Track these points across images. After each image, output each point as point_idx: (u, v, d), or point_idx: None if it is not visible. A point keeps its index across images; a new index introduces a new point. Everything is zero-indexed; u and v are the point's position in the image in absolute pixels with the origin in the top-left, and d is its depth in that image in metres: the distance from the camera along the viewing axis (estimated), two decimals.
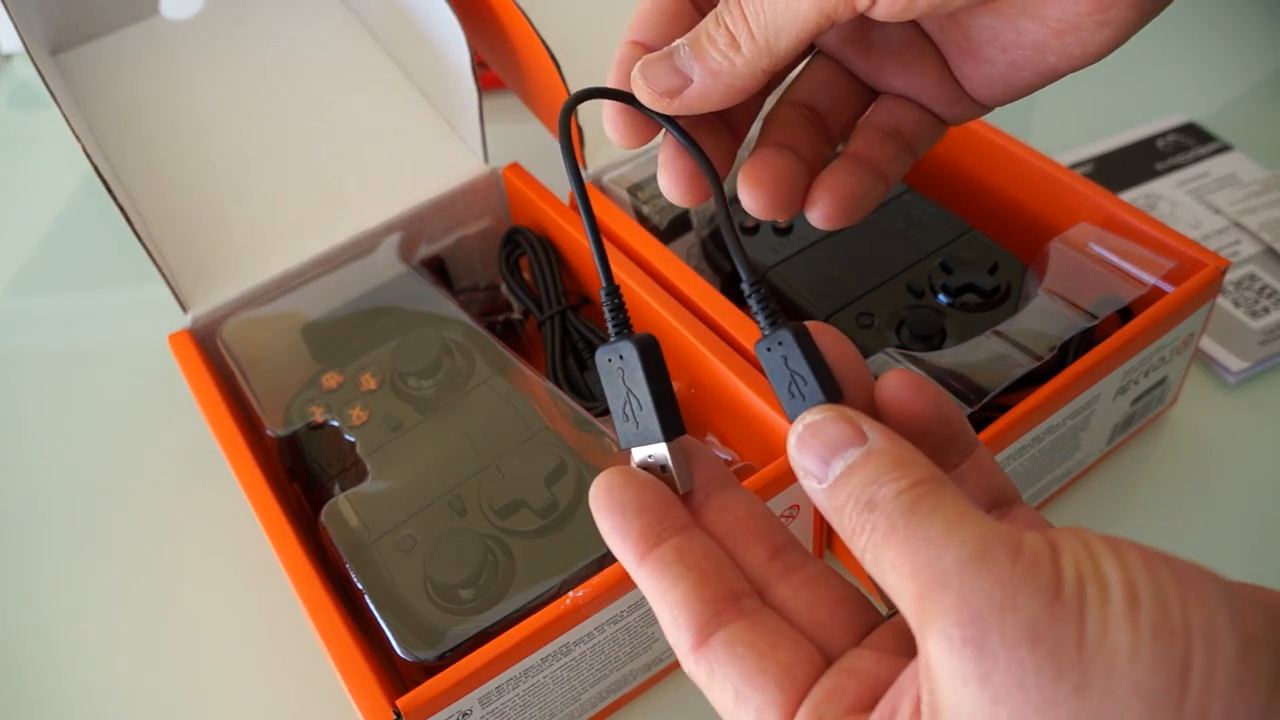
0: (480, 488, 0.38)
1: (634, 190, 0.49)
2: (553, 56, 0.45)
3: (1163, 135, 0.60)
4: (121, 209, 0.42)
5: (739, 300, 0.47)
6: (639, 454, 0.25)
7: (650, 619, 0.37)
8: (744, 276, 0.25)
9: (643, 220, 0.48)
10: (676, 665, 0.40)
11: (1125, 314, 0.41)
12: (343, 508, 0.39)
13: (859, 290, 0.44)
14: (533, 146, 0.52)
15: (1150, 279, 0.41)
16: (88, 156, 0.42)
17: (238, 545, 0.46)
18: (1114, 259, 0.42)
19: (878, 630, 0.23)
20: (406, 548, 0.37)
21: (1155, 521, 0.44)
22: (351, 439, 0.41)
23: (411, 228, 0.48)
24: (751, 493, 0.25)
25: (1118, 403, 0.42)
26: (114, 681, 0.43)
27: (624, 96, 0.26)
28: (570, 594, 0.33)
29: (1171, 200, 0.56)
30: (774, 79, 0.26)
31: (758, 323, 0.24)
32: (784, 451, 0.37)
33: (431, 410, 0.41)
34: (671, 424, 0.25)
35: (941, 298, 0.43)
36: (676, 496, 0.24)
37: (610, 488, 0.24)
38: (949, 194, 0.49)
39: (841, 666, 0.21)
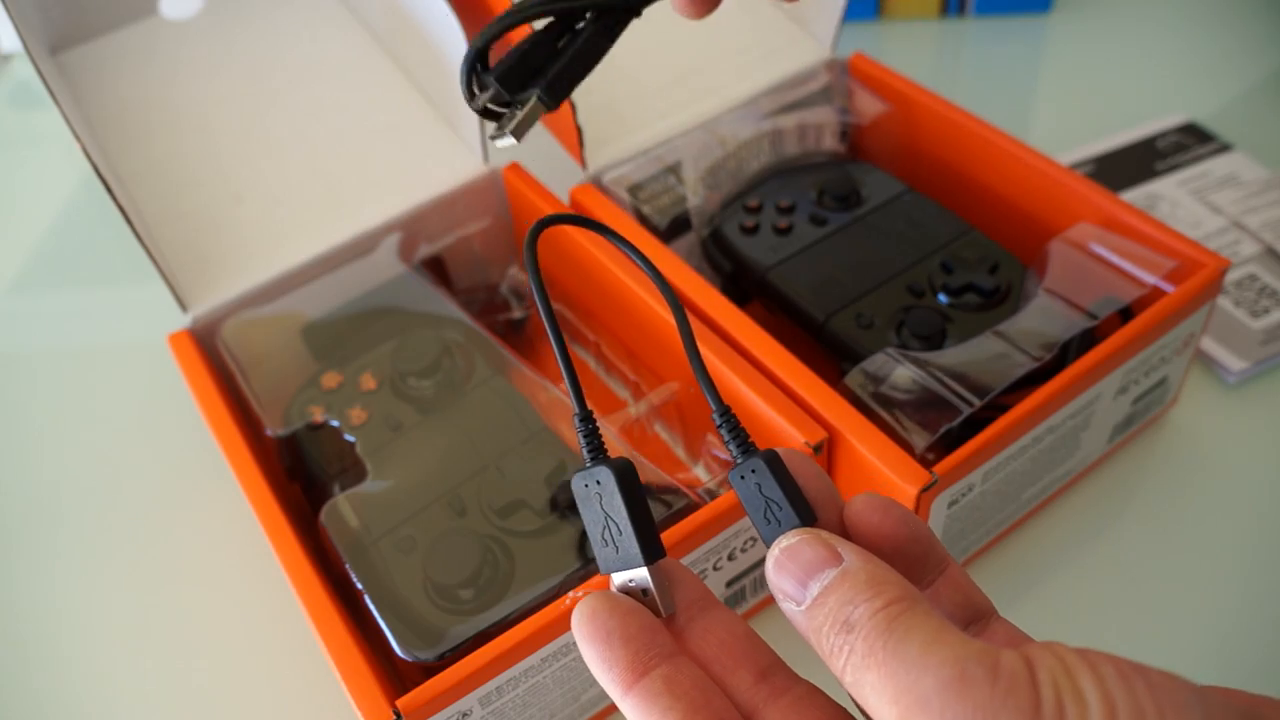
0: (480, 488, 0.38)
1: (634, 190, 0.49)
2: None
3: (1163, 135, 0.60)
4: (121, 209, 0.42)
5: (739, 300, 0.47)
6: (619, 578, 0.25)
7: None
8: (713, 407, 0.25)
9: (643, 220, 0.48)
10: None
11: (1125, 314, 0.41)
12: (342, 508, 0.39)
13: (859, 290, 0.44)
14: (533, 146, 0.52)
15: (1150, 279, 0.41)
16: (88, 156, 0.42)
17: (238, 545, 0.46)
18: (1114, 259, 0.42)
19: None
20: (406, 548, 0.37)
21: (1155, 521, 0.44)
22: (351, 439, 0.41)
23: (411, 228, 0.48)
24: (734, 612, 0.25)
25: (1118, 403, 0.42)
26: (113, 681, 0.43)
27: (586, 223, 0.26)
28: (570, 594, 0.33)
29: (1172, 200, 0.56)
30: None
31: (730, 451, 0.25)
32: None
33: (431, 410, 0.41)
34: (652, 548, 0.24)
35: (941, 298, 0.43)
36: (660, 622, 0.24)
37: (594, 614, 0.23)
38: (949, 194, 0.49)
39: None
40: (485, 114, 0.27)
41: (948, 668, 0.19)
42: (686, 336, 0.26)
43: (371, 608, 0.36)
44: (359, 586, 0.36)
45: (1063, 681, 0.18)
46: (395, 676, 0.36)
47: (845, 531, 0.24)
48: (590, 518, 0.25)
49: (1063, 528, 0.44)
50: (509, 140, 0.26)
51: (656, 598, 0.24)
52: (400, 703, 0.32)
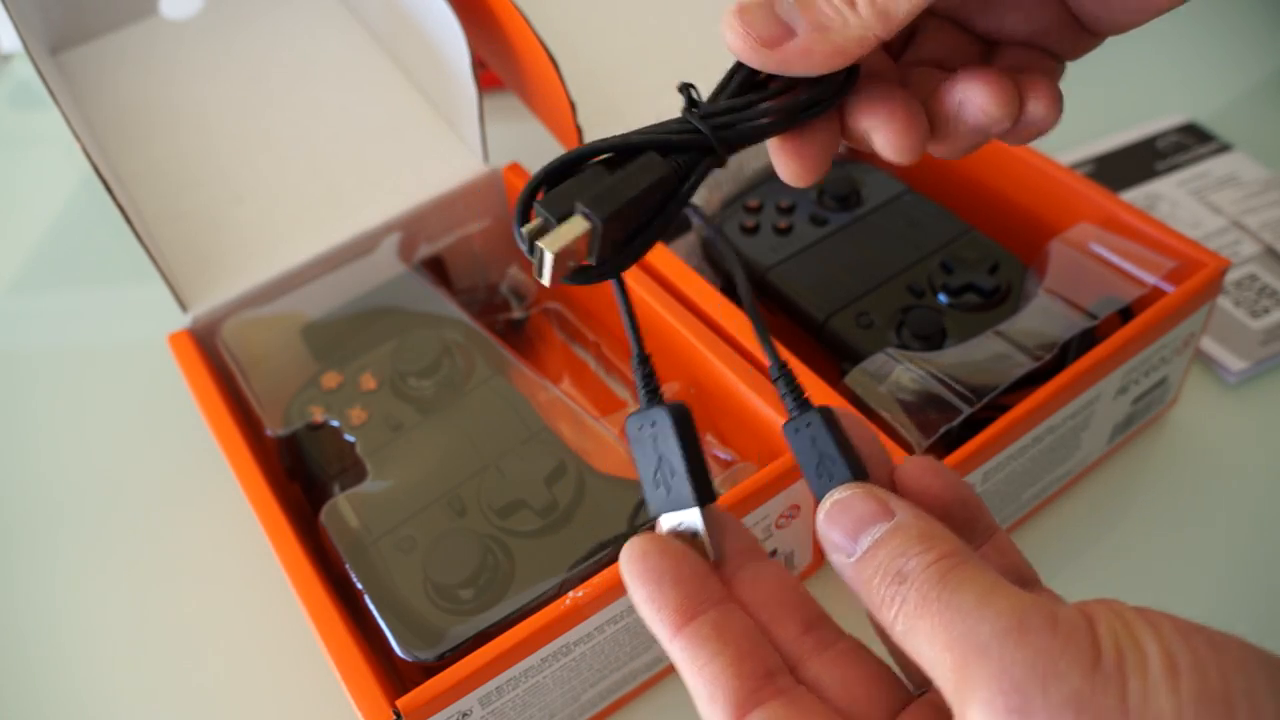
0: (480, 488, 0.38)
1: None
2: (551, 57, 0.45)
3: (1163, 135, 0.60)
4: (121, 209, 0.42)
5: (739, 300, 0.47)
6: (669, 520, 0.25)
7: None
8: (770, 361, 0.25)
9: None
10: None
11: (1125, 314, 0.41)
12: (342, 508, 0.39)
13: (859, 290, 0.44)
14: (533, 146, 0.52)
15: (1150, 279, 0.41)
16: (88, 156, 0.42)
17: (238, 545, 0.46)
18: (1114, 259, 0.42)
19: (910, 707, 0.23)
20: (406, 548, 0.37)
21: (1155, 522, 0.44)
22: (351, 439, 0.41)
23: (411, 228, 0.48)
24: (781, 565, 0.25)
25: (1118, 403, 0.42)
26: (113, 681, 0.43)
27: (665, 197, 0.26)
28: (570, 594, 0.33)
29: (1172, 200, 0.56)
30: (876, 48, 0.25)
31: (785, 404, 0.25)
32: (784, 450, 0.37)
33: (431, 410, 0.41)
34: (704, 490, 0.24)
35: (941, 298, 0.43)
36: (711, 568, 0.24)
37: (645, 555, 0.23)
38: (949, 194, 0.49)
39: None
40: (531, 250, 0.24)
41: (1005, 617, 0.19)
42: (747, 297, 0.26)
43: (371, 608, 0.36)
44: (359, 586, 0.36)
45: (1122, 635, 0.18)
46: (395, 676, 0.36)
47: (896, 491, 0.24)
48: (643, 459, 0.25)
49: (1063, 528, 0.44)
50: (547, 263, 0.23)
51: (706, 541, 0.24)
52: (400, 703, 0.32)
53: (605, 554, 0.36)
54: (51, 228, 0.65)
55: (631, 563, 0.23)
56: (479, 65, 0.46)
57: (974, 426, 0.37)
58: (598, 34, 0.54)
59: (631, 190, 0.24)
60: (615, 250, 0.24)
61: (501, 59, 0.52)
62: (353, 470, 0.41)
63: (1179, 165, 0.58)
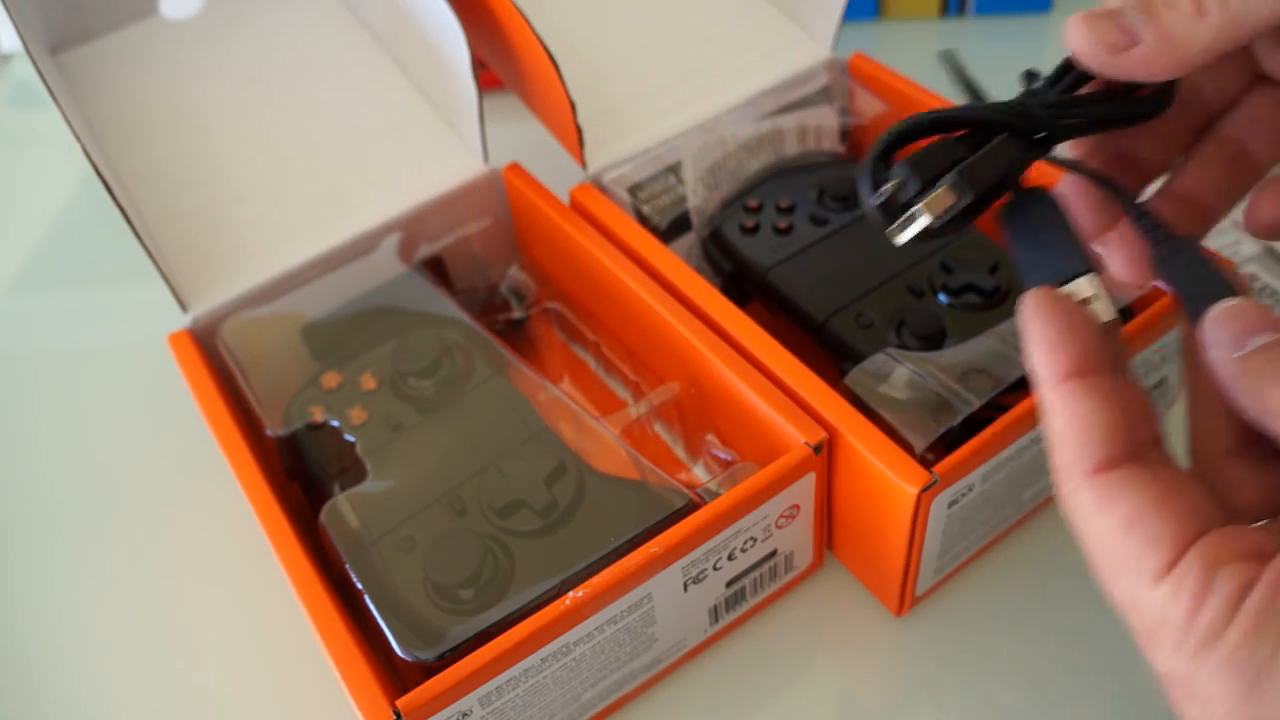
0: (480, 488, 0.38)
1: (634, 190, 0.49)
2: (551, 57, 0.45)
3: None
4: (121, 209, 0.42)
5: (739, 300, 0.47)
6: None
7: (650, 619, 0.37)
8: (1124, 205, 0.27)
9: (643, 220, 0.48)
10: (676, 666, 0.40)
11: (1125, 314, 0.41)
12: (342, 508, 0.39)
13: (859, 290, 0.44)
14: (533, 146, 0.53)
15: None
16: (88, 156, 0.42)
17: (238, 545, 0.46)
18: None
19: (1221, 528, 0.23)
20: (406, 548, 0.37)
21: None
22: (351, 439, 0.41)
23: (411, 228, 0.48)
24: (1141, 385, 0.26)
25: None
26: (113, 681, 0.43)
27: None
28: (570, 594, 0.33)
29: None
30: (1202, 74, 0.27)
31: (1152, 239, 0.27)
32: (784, 451, 0.37)
33: (431, 410, 0.41)
34: (1090, 260, 0.26)
35: (941, 298, 0.43)
36: (1106, 347, 0.25)
37: (1055, 301, 0.25)
38: None
39: (1230, 526, 0.23)
40: (884, 207, 0.27)
41: None
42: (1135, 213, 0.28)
43: (371, 608, 0.36)
44: (359, 586, 0.36)
45: None
46: (395, 676, 0.36)
47: None
48: (1023, 242, 0.27)
49: (1063, 528, 0.44)
50: (916, 226, 0.26)
51: (1101, 301, 0.25)
52: (400, 703, 0.32)
53: (605, 554, 0.36)
54: (51, 228, 0.65)
55: (1039, 304, 0.25)
56: (479, 65, 0.46)
57: (974, 426, 0.37)
58: (598, 34, 0.54)
59: (994, 171, 0.26)
60: (955, 218, 0.26)
61: (501, 59, 0.52)
62: (353, 470, 0.41)
63: None
